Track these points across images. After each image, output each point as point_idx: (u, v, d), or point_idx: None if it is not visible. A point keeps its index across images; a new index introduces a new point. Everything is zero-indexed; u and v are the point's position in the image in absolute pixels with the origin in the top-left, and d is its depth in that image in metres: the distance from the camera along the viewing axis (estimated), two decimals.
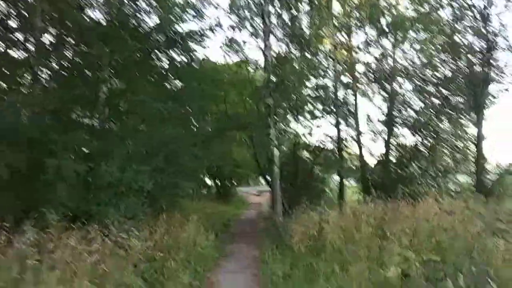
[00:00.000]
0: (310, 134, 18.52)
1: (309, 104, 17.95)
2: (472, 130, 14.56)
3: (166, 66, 10.56)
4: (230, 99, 13.80)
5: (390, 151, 16.37)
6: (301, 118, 18.55)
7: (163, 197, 9.73)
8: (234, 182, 28.74)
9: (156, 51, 10.22)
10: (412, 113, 16.42)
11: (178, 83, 11.36)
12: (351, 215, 7.93)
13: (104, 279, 4.73)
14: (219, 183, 26.78)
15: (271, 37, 15.09)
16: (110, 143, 8.11)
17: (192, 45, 10.48)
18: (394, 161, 16.15)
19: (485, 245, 3.92)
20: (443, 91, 14.54)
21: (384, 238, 6.00)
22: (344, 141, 17.48)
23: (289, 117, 18.87)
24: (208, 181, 25.25)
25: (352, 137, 17.49)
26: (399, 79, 16.26)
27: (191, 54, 10.50)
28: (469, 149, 15.20)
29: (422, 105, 16.03)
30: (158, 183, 8.46)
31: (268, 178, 18.37)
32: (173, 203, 10.43)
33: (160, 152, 8.96)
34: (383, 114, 17.03)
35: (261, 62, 15.55)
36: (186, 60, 10.55)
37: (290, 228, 9.09)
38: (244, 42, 15.22)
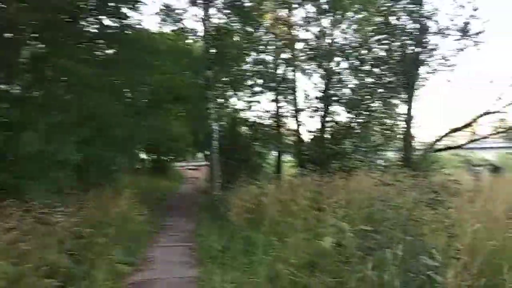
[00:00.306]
0: (249, 109, 18.57)
1: (248, 79, 17.92)
2: (402, 109, 15.32)
3: (96, 31, 9.74)
4: (167, 70, 13.16)
5: (325, 127, 16.81)
6: (240, 93, 18.51)
7: (93, 171, 9.17)
8: (171, 156, 28.06)
9: (84, 14, 9.37)
10: (347, 91, 16.92)
11: (110, 50, 10.63)
12: (288, 188, 8.01)
13: (24, 258, 4.30)
14: (155, 158, 26.01)
15: (211, 7, 14.64)
16: (32, 112, 7.37)
17: (125, 10, 9.75)
18: (329, 137, 16.62)
19: (417, 215, 4.13)
20: (377, 70, 15.05)
21: (320, 210, 6.12)
22: (282, 117, 17.67)
23: (228, 92, 18.71)
24: (143, 155, 24.41)
25: (290, 113, 17.72)
26: (336, 57, 16.58)
27: (124, 19, 9.77)
28: (397, 127, 16.10)
29: (357, 83, 16.53)
30: (87, 156, 7.90)
31: (207, 152, 18.17)
32: (104, 177, 9.88)
33: (89, 123, 8.34)
34: (320, 91, 17.39)
35: (201, 33, 15.11)
36: (118, 26, 9.81)
37: (228, 202, 9.07)
38: (183, 11, 14.59)
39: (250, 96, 18.09)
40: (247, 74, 17.75)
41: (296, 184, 8.17)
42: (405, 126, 13.95)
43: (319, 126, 17.01)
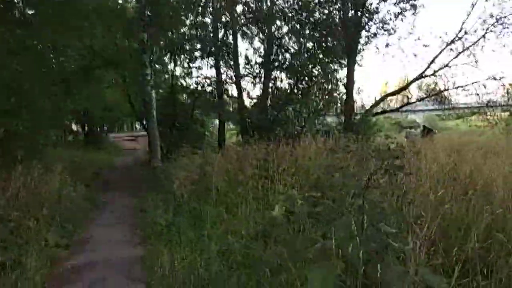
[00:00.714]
0: (189, 75, 17.83)
1: (187, 44, 17.06)
2: (343, 73, 15.50)
3: None
4: (97, 33, 11.99)
5: (267, 94, 16.64)
6: (179, 58, 17.64)
7: (19, 145, 8.25)
8: (106, 127, 26.56)
9: None
10: (288, 56, 16.75)
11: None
12: (234, 157, 7.77)
13: None
14: (87, 129, 24.46)
15: None
16: None
17: None
18: (271, 103, 16.51)
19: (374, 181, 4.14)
20: (318, 34, 14.96)
21: (268, 178, 5.97)
22: (224, 84, 17.16)
23: (167, 58, 17.78)
24: (75, 127, 22.82)
25: (231, 79, 17.27)
26: (277, 21, 16.22)
27: None
28: (337, 92, 16.35)
29: (298, 48, 16.38)
30: (11, 129, 7.03)
31: (144, 122, 17.29)
32: (32, 153, 8.95)
33: (9, 92, 7.39)
34: (261, 57, 17.07)
35: None
36: None
37: (171, 173, 8.64)
38: None
39: (189, 62, 17.35)
40: (186, 38, 16.87)
41: (242, 152, 7.94)
42: (346, 90, 14.13)
43: (261, 92, 16.84)
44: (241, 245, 4.35)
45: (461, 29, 13.27)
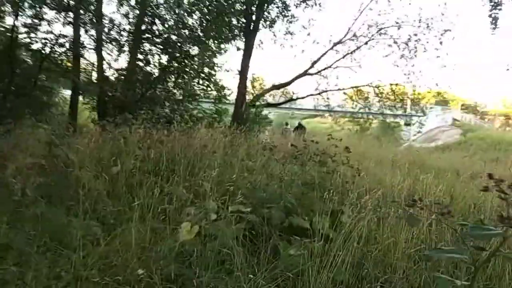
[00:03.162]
0: (34, 31, 14.15)
1: None
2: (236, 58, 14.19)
3: None
4: None
5: (136, 68, 14.41)
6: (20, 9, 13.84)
7: None
8: None
9: None
10: (163, 29, 14.78)
11: None
12: (106, 141, 5.82)
13: None
14: None
15: None
16: None
17: None
18: (140, 78, 14.34)
19: None
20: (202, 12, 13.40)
21: (159, 176, 4.37)
22: (81, 47, 14.13)
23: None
24: None
25: (92, 44, 14.38)
26: None
27: None
28: (214, 77, 15.15)
29: (175, 21, 14.54)
30: None
31: None
32: None
33: None
34: (131, 24, 14.72)
35: None
36: None
37: (4, 155, 6.11)
38: None
39: (34, 14, 13.72)
40: None
41: (117, 136, 5.98)
42: (240, 76, 12.95)
43: (127, 65, 14.52)
44: None
45: (347, 32, 13.65)
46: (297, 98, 14.65)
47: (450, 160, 15.62)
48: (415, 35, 13.03)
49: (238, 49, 13.62)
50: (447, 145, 35.28)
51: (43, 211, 3.93)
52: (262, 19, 12.55)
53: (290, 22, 13.04)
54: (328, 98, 14.21)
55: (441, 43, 13.08)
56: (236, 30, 13.06)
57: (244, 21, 12.64)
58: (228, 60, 15.21)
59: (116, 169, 4.41)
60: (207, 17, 13.30)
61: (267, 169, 5.06)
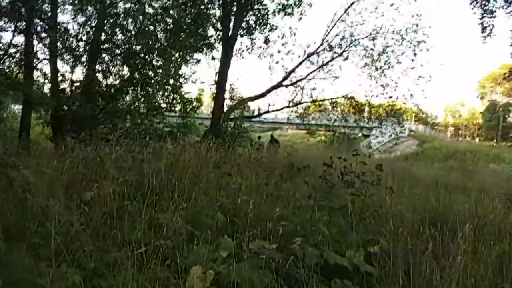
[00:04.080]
0: None
1: None
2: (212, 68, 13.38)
3: None
4: None
5: (94, 79, 13.40)
6: None
7: None
8: None
9: None
10: (122, 38, 13.89)
11: None
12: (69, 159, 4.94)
13: None
14: None
15: None
16: None
17: None
18: (100, 90, 13.31)
19: None
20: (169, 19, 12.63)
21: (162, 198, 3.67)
22: (34, 57, 12.95)
23: None
24: None
25: (45, 54, 13.23)
26: None
27: None
28: (180, 89, 14.37)
29: (138, 30, 13.70)
30: None
31: None
32: None
33: None
34: (88, 33, 13.76)
35: None
36: None
37: None
38: None
39: None
40: None
41: (89, 154, 5.09)
42: (217, 87, 12.17)
43: (84, 76, 13.48)
44: None
45: (321, 43, 13.42)
46: (272, 111, 14.27)
47: (420, 171, 15.80)
48: (387, 46, 13.07)
49: (213, 58, 12.99)
50: (406, 155, 36.15)
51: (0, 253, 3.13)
52: (241, 28, 11.95)
53: (270, 30, 12.64)
54: (304, 110, 13.95)
55: (415, 54, 13.17)
56: (212, 39, 12.45)
57: (221, 29, 12.05)
58: (202, 71, 14.31)
59: (90, 194, 3.67)
60: (172, 26, 12.59)
61: (278, 190, 4.45)
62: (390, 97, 13.97)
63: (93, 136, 6.49)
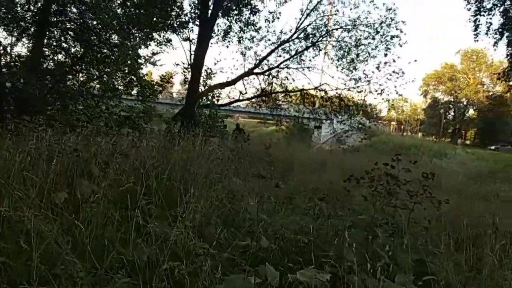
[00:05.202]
0: None
1: None
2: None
3: None
4: None
5: (41, 54, 12.02)
6: None
7: None
8: None
9: None
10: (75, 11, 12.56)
11: None
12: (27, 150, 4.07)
13: None
14: None
15: None
16: None
17: None
18: (49, 67, 11.95)
19: None
20: None
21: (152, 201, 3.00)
22: None
23: None
24: None
25: None
26: None
27: None
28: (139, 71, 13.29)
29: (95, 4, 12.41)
30: None
31: None
32: None
33: None
34: (36, 2, 12.30)
35: None
36: None
37: None
38: None
39: None
40: None
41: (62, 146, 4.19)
42: (192, 71, 11.12)
43: (31, 50, 12.07)
44: None
45: (295, 31, 12.91)
46: (243, 100, 13.60)
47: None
48: (359, 39, 12.86)
49: (187, 39, 12.00)
50: (355, 148, 37.08)
51: None
52: (221, 7, 10.98)
53: (252, 13, 11.86)
54: (276, 100, 13.45)
55: (388, 49, 13.09)
56: (186, 17, 11.45)
57: (198, 6, 11.10)
58: (175, 52, 13.21)
59: (63, 195, 2.96)
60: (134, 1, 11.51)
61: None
62: (361, 92, 13.88)
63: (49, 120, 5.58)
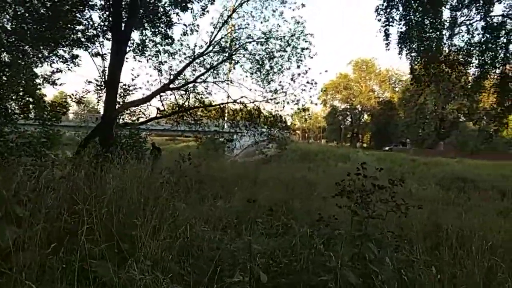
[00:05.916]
0: None
1: None
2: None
3: None
4: None
5: None
6: None
7: None
8: None
9: None
10: None
11: None
12: None
13: None
14: None
15: None
16: None
17: None
18: None
19: None
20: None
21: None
22: None
23: None
24: None
25: None
26: None
27: None
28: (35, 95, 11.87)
29: None
30: None
31: None
32: None
33: None
34: None
35: None
36: None
37: None
38: None
39: None
40: None
41: None
42: (107, 87, 9.84)
43: None
44: None
45: (209, 45, 12.59)
46: (160, 117, 12.85)
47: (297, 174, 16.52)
48: (272, 52, 13.05)
49: (96, 55, 10.86)
50: (268, 159, 37.76)
51: None
52: (135, 19, 10.01)
53: (167, 25, 11.14)
54: (193, 115, 12.90)
55: (300, 61, 13.45)
56: (95, 31, 10.39)
57: (107, 19, 10.14)
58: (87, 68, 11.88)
59: None
60: (25, 13, 10.24)
61: None
62: (278, 103, 14.11)
63: None
